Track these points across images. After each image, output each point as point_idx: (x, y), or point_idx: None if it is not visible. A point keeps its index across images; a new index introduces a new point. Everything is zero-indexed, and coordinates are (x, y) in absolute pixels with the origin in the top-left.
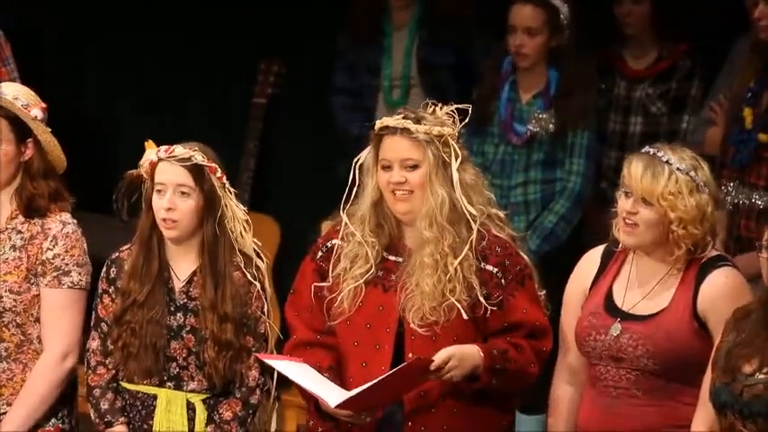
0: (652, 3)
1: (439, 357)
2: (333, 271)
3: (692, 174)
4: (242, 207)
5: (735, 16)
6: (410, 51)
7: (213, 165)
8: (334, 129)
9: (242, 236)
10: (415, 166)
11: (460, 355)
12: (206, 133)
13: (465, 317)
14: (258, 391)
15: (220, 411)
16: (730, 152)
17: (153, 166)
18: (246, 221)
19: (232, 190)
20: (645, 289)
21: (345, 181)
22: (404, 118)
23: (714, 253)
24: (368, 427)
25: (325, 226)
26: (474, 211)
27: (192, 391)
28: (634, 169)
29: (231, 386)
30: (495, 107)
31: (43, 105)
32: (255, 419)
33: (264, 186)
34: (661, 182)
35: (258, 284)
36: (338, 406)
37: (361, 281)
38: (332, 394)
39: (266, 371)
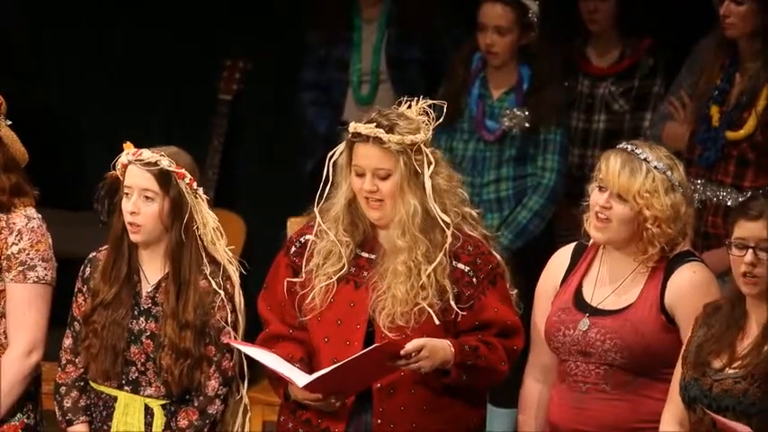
0: (617, 0)
1: (411, 345)
2: (305, 267)
3: (669, 173)
4: (213, 214)
5: (697, 14)
6: (379, 47)
7: (181, 170)
8: (302, 125)
9: (213, 243)
10: (386, 175)
11: (432, 347)
12: (171, 130)
13: (437, 322)
14: (218, 402)
15: (177, 419)
16: (697, 150)
17: (124, 167)
18: (218, 229)
19: (204, 197)
20: (614, 285)
21: (313, 177)
22: (377, 126)
23: (683, 249)
24: (337, 426)
25: (292, 223)
26: (447, 219)
27: (150, 396)
28: (612, 165)
29: (191, 395)
30: (464, 103)
31: (0, 100)
32: (218, 428)
33: (230, 183)
34: (638, 179)
35: (224, 294)
36: (306, 387)
37: (334, 278)
38: (298, 376)
39: (232, 381)
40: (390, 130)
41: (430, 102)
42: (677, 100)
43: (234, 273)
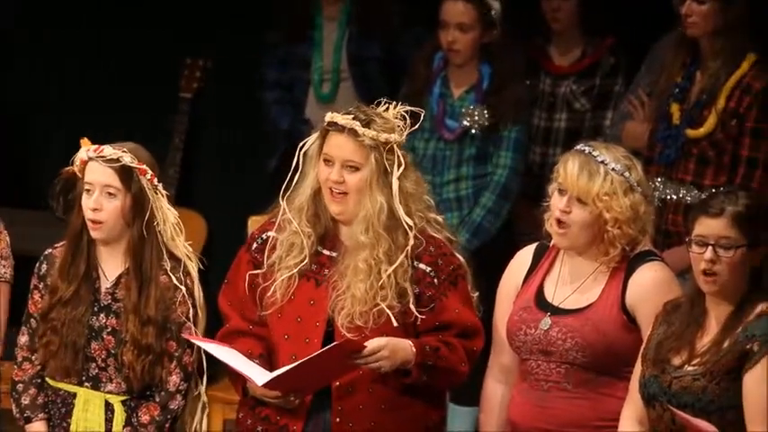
0: None
1: (371, 344)
2: (267, 260)
3: (627, 174)
4: (173, 210)
5: (659, 12)
6: (340, 45)
7: (143, 166)
8: (265, 123)
9: (173, 239)
10: (355, 169)
11: (393, 347)
12: (132, 129)
13: (395, 324)
14: (179, 397)
15: (139, 415)
16: (658, 148)
17: (83, 164)
18: (178, 224)
19: (164, 192)
20: (575, 284)
21: (276, 175)
22: (354, 118)
23: (643, 248)
24: (296, 424)
25: (253, 221)
26: (410, 222)
27: (110, 392)
28: (570, 168)
29: (152, 390)
30: (425, 102)
31: None
32: (177, 424)
33: (191, 182)
34: (597, 182)
35: (184, 289)
36: (266, 385)
37: (295, 270)
38: (258, 374)
39: (192, 376)
40: (367, 124)
41: (408, 108)
42: (636, 99)
43: (193, 268)
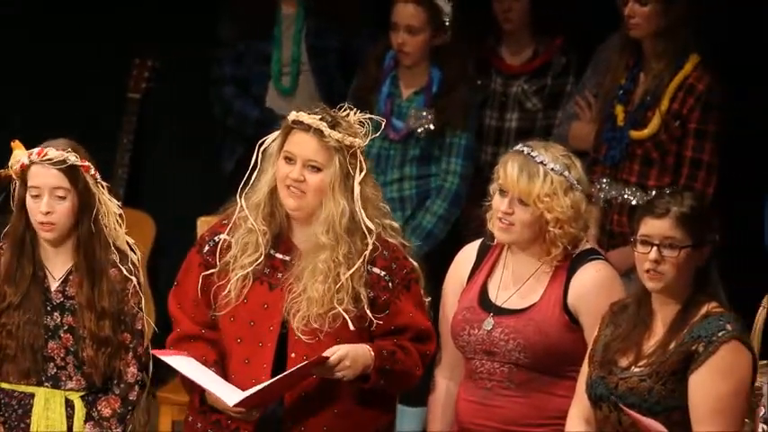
0: None
1: (334, 356)
2: (221, 260)
3: (566, 173)
4: (115, 201)
5: (608, 13)
6: (299, 37)
7: (86, 163)
8: (225, 119)
9: (116, 230)
10: (317, 169)
11: (354, 355)
12: (81, 129)
13: (351, 328)
14: (137, 388)
15: (99, 408)
16: (603, 149)
17: (24, 168)
18: (120, 215)
19: (104, 184)
20: (518, 284)
21: (232, 177)
22: (321, 119)
23: (586, 247)
24: (247, 428)
25: (202, 222)
26: (371, 226)
27: (71, 389)
28: (510, 170)
29: (109, 383)
30: (374, 101)
31: None
32: (134, 416)
33: (139, 182)
34: (537, 183)
35: (135, 279)
36: (236, 405)
37: (250, 269)
38: (228, 392)
39: (143, 368)
40: (333, 126)
41: (369, 115)
42: (582, 99)
43: (136, 259)
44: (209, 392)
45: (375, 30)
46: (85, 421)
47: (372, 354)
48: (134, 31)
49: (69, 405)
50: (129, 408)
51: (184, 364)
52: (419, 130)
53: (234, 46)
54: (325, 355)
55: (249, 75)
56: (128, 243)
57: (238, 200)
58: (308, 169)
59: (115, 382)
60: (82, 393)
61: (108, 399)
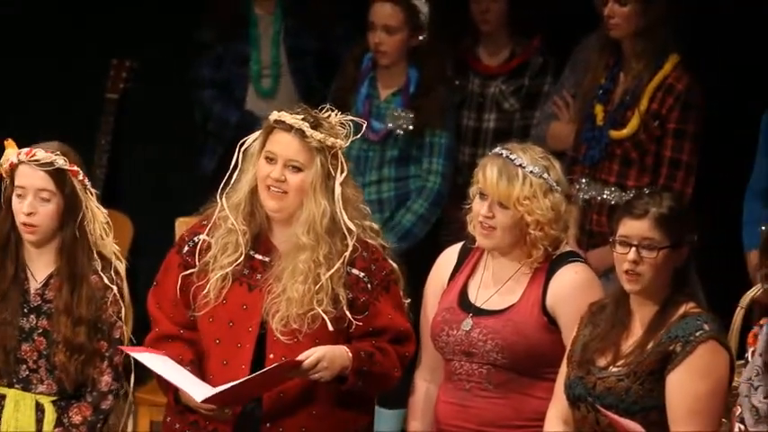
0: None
1: (310, 359)
2: (201, 260)
3: (545, 175)
4: (102, 209)
5: (585, 13)
6: (277, 39)
7: (75, 168)
8: (206, 122)
9: (102, 238)
10: (298, 169)
11: (331, 357)
12: (59, 129)
13: (330, 329)
14: (111, 397)
15: (70, 415)
16: (582, 148)
17: (13, 167)
18: (107, 224)
19: (93, 191)
20: (498, 285)
21: (211, 174)
22: (303, 119)
23: (565, 249)
24: (225, 429)
25: (180, 223)
26: (352, 227)
27: (41, 393)
28: (489, 174)
29: (83, 390)
30: (352, 102)
31: None
32: (109, 424)
33: (117, 183)
34: (516, 186)
35: (116, 288)
36: (204, 401)
37: (229, 269)
38: (197, 388)
39: (122, 376)
40: (315, 126)
41: (349, 117)
42: (560, 99)
43: (122, 268)
44: (186, 393)
45: (350, 29)
46: (55, 426)
47: (350, 355)
48: (112, 32)
49: (40, 409)
50: (101, 416)
51: (157, 362)
52: (398, 131)
53: (212, 48)
54: (301, 357)
55: (229, 77)
56: (114, 252)
57: (218, 199)
58: (289, 169)
59: (88, 389)
60: (53, 398)
61: (80, 406)
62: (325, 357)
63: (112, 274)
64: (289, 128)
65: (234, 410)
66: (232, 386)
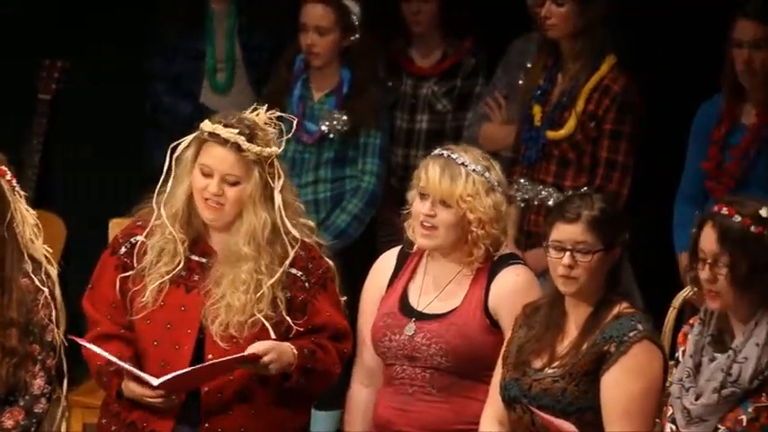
0: (439, 1)
1: (261, 349)
2: (138, 265)
3: (487, 174)
4: (32, 211)
5: (518, 14)
6: (232, 33)
7: (3, 168)
8: (153, 114)
9: (32, 241)
10: (236, 182)
11: (279, 350)
12: None
13: (272, 336)
14: (44, 400)
15: (2, 419)
16: (521, 149)
17: None
18: (37, 226)
19: (22, 193)
20: (439, 289)
21: (144, 176)
22: (238, 132)
23: (505, 251)
24: (164, 429)
25: (114, 224)
26: (296, 234)
27: None
28: (431, 172)
29: (15, 394)
30: (286, 104)
31: None
32: (42, 427)
33: (50, 184)
34: (459, 184)
35: (47, 291)
36: (160, 385)
37: (167, 277)
38: (150, 377)
39: (54, 379)
40: (251, 138)
41: (278, 113)
42: (493, 100)
43: (53, 270)
44: (128, 381)
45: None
46: None
47: (295, 352)
48: (44, 32)
49: None
50: (34, 420)
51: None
52: (332, 133)
53: (163, 42)
54: (252, 350)
55: (182, 71)
56: (46, 255)
57: (154, 206)
58: (226, 183)
59: (21, 393)
60: None
61: (12, 410)
62: (275, 349)
63: (43, 276)
64: (224, 142)
65: (180, 397)
66: (187, 372)
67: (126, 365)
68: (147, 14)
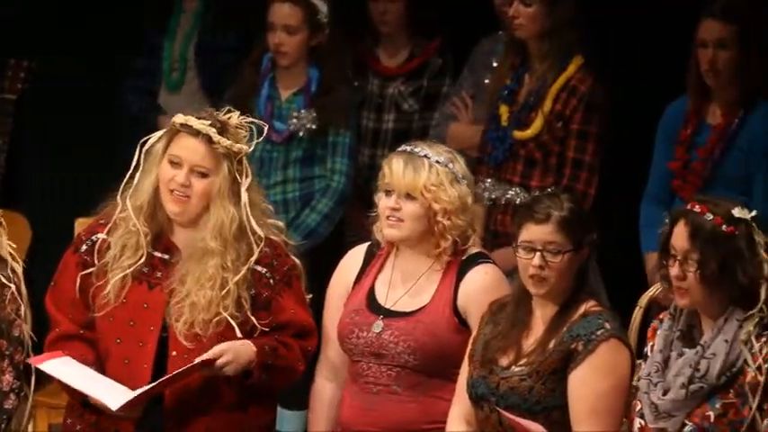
0: (406, 1)
1: (216, 352)
2: (100, 261)
3: (450, 165)
4: None
5: (485, 14)
6: (191, 33)
7: None
8: (118, 111)
9: None
10: (204, 175)
11: (235, 352)
12: None
13: (239, 335)
14: (13, 396)
15: None
16: (488, 149)
17: None
18: (1, 224)
19: None
20: (407, 286)
21: (112, 173)
22: (210, 124)
23: (474, 250)
24: (127, 429)
25: (80, 224)
26: (261, 232)
27: None
28: (395, 166)
29: None
30: (253, 104)
31: None
32: (11, 424)
33: (15, 183)
34: (423, 175)
35: (13, 287)
36: (119, 409)
37: (129, 271)
38: (111, 396)
39: (23, 375)
40: (222, 132)
41: (251, 119)
42: (459, 100)
43: (18, 267)
44: (101, 402)
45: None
46: None
47: (255, 349)
48: (9, 31)
49: None
50: (4, 416)
51: (63, 368)
52: (301, 132)
53: (150, 38)
54: (205, 356)
55: (147, 68)
56: (10, 252)
57: (119, 200)
58: (194, 174)
59: None
60: None
61: None
62: (230, 351)
63: (9, 272)
64: (195, 133)
65: (142, 408)
66: (145, 390)
67: (85, 390)
68: (121, 12)
